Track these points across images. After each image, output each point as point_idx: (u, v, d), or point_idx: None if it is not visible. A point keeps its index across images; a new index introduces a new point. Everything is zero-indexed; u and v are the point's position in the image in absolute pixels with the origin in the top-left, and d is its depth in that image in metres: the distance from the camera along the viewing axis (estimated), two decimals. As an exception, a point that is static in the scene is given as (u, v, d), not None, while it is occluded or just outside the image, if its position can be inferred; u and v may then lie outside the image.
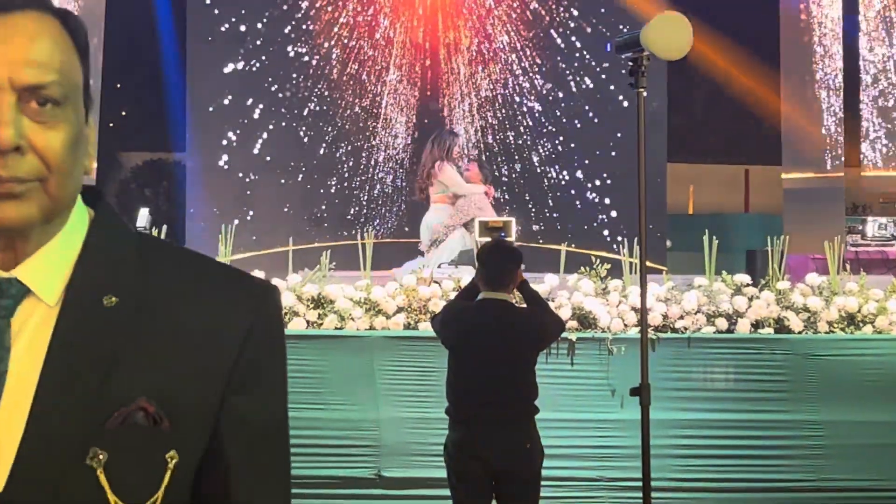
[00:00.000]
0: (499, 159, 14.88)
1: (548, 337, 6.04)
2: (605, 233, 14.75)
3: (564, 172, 14.95)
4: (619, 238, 9.58)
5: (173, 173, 18.68)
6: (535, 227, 14.77)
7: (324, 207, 15.00)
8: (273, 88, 15.01)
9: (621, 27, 12.76)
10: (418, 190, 11.46)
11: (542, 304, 6.20)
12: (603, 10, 15.05)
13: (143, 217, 8.55)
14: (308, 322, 8.40)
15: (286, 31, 15.02)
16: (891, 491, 8.14)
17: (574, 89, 15.16)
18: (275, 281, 8.59)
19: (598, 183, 15.09)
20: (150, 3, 15.82)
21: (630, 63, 5.33)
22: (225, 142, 14.92)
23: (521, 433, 5.66)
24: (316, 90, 15.04)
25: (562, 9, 15.24)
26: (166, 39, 15.65)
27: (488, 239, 6.41)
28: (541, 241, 13.92)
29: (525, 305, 6.21)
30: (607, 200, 15.05)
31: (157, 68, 16.30)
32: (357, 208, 14.66)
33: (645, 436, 5.40)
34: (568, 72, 15.19)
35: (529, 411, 5.72)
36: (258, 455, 1.81)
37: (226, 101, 14.96)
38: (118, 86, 16.06)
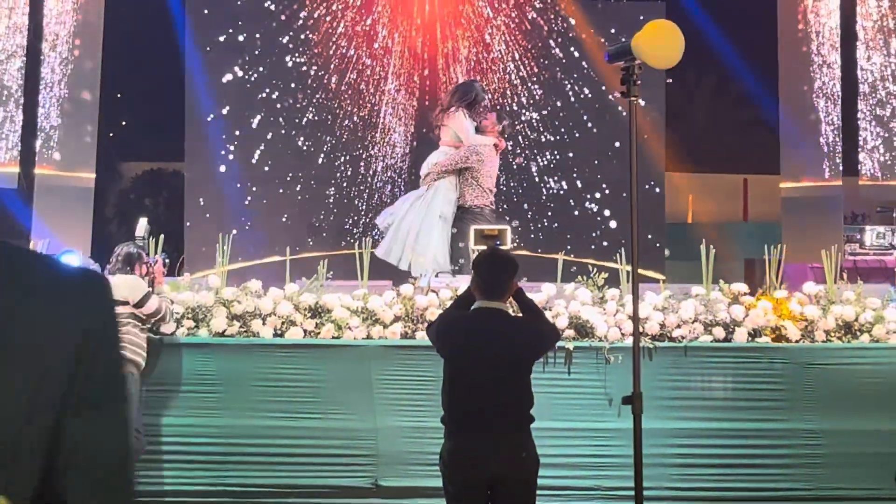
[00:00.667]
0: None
1: (543, 346, 6.04)
2: (604, 242, 14.74)
3: (563, 182, 14.95)
4: (618, 247, 9.55)
5: (172, 183, 18.69)
6: (533, 236, 14.77)
7: (322, 217, 15.00)
8: (272, 98, 15.02)
9: (621, 38, 12.77)
10: (433, 127, 11.03)
11: (538, 313, 6.19)
12: (601, 20, 15.07)
13: (141, 227, 8.53)
14: (305, 331, 8.41)
15: (284, 41, 15.03)
16: (888, 500, 8.13)
17: (572, 99, 15.17)
18: (272, 290, 8.60)
19: (596, 192, 15.09)
20: (148, 13, 15.83)
21: (623, 71, 5.33)
22: (223, 151, 14.93)
23: (517, 442, 5.65)
24: (314, 100, 15.05)
25: (560, 19, 15.26)
26: (165, 49, 15.66)
27: (484, 247, 6.38)
28: (539, 251, 13.92)
29: (521, 314, 6.21)
30: (606, 210, 15.05)
31: (156, 78, 16.33)
32: (355, 218, 14.65)
33: (637, 444, 5.40)
34: (566, 81, 15.20)
35: (525, 420, 5.71)
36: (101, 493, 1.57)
37: (224, 111, 14.98)
38: (118, 95, 16.07)
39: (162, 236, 8.82)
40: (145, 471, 8.10)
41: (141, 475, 8.11)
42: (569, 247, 14.07)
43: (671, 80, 14.18)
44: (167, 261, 8.65)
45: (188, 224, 14.81)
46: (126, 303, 7.78)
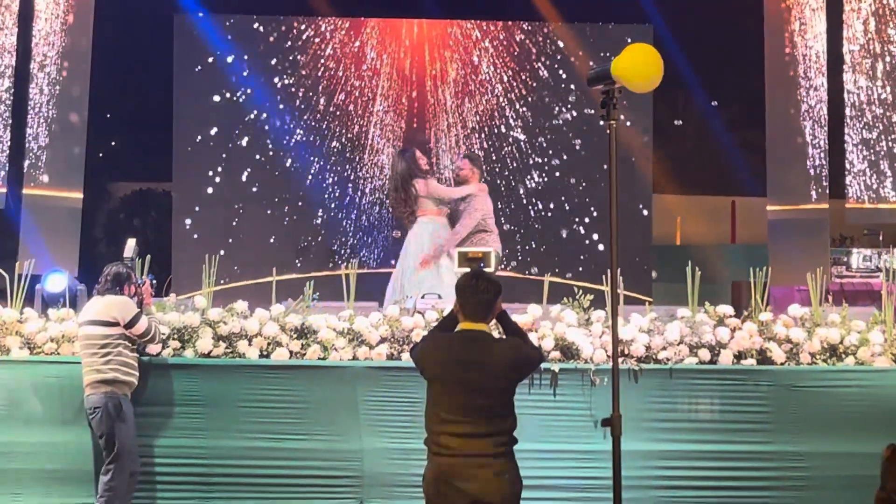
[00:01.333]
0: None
1: (526, 368, 6.03)
2: (592, 264, 14.76)
3: (550, 203, 14.97)
4: (606, 269, 9.55)
5: (161, 203, 18.67)
6: (521, 258, 14.78)
7: (309, 238, 15.01)
8: (260, 119, 15.05)
9: (609, 60, 12.81)
10: (406, 216, 11.09)
11: (522, 334, 6.19)
12: (589, 42, 15.12)
13: (130, 248, 8.51)
14: (291, 352, 8.39)
15: (273, 62, 15.06)
16: (873, 523, 8.13)
17: (560, 121, 15.20)
18: (258, 311, 8.60)
19: (584, 214, 15.12)
20: (137, 34, 15.85)
21: (602, 95, 5.35)
22: (211, 172, 14.95)
23: (499, 464, 5.64)
24: (302, 121, 15.08)
25: (548, 41, 15.31)
26: (154, 70, 15.68)
27: (467, 269, 6.38)
28: (527, 273, 13.93)
29: (504, 336, 6.21)
30: (593, 232, 15.07)
31: (144, 99, 16.33)
32: (343, 239, 14.66)
33: (616, 466, 5.40)
34: (554, 103, 15.23)
35: (508, 442, 5.71)
36: None
37: (212, 132, 14.99)
38: (107, 116, 16.07)
39: (149, 257, 8.81)
40: (133, 492, 8.10)
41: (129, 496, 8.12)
42: (556, 269, 14.11)
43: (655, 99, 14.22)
44: (154, 281, 8.64)
45: (176, 242, 14.80)
46: (117, 323, 7.78)
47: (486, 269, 6.62)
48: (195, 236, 14.55)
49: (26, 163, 14.28)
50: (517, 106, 15.20)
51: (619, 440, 5.40)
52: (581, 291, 8.91)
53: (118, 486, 7.75)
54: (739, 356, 8.41)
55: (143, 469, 8.07)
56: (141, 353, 8.14)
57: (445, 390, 5.72)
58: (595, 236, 15.05)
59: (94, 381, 7.78)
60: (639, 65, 5.16)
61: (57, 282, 9.93)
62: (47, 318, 8.76)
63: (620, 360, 7.70)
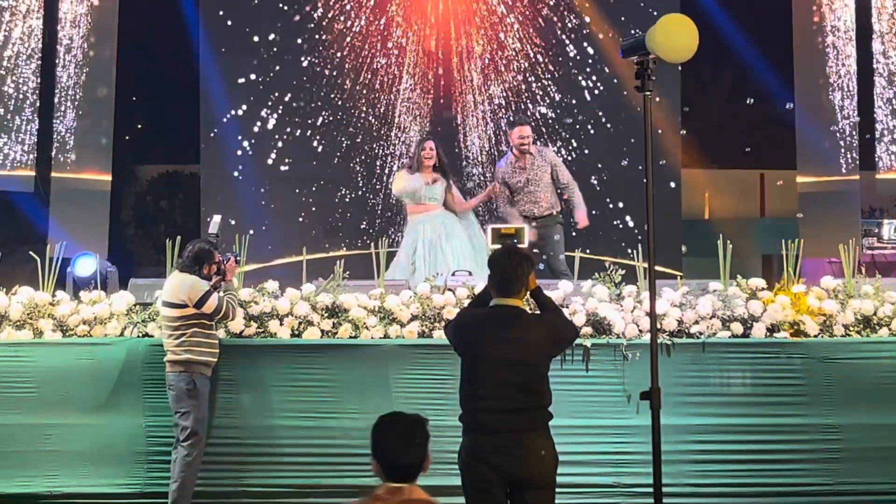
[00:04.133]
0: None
1: (561, 343, 6.01)
2: (620, 239, 14.70)
3: (579, 180, 14.91)
4: (635, 244, 9.52)
5: (189, 185, 18.68)
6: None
7: (338, 216, 15.00)
8: (286, 99, 15.03)
9: (634, 32, 12.74)
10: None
11: (556, 310, 6.17)
12: (615, 16, 15.03)
13: (214, 224, 8.55)
14: (323, 332, 8.40)
15: (299, 41, 15.04)
16: (909, 494, 8.11)
17: (587, 96, 15.13)
18: (289, 290, 8.61)
19: (612, 189, 15.05)
20: (163, 16, 15.85)
21: (637, 66, 5.31)
22: (239, 153, 14.95)
23: (536, 440, 5.63)
24: (329, 100, 15.06)
25: (573, 15, 15.23)
26: (180, 52, 15.67)
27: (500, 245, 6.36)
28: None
29: (538, 312, 6.19)
30: (622, 206, 15.00)
31: (172, 80, 16.33)
32: (371, 217, 14.65)
33: (656, 438, 5.37)
34: (581, 78, 15.16)
35: (543, 418, 5.69)
36: None
37: (240, 112, 14.99)
38: (133, 99, 16.06)
39: (178, 238, 8.82)
40: (164, 471, 8.14)
41: (162, 476, 8.15)
42: (585, 245, 14.06)
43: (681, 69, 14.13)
44: (239, 259, 8.61)
45: (206, 223, 14.81)
46: (186, 305, 7.77)
47: (520, 245, 6.61)
48: (224, 217, 14.53)
49: (54, 146, 14.31)
50: (543, 81, 15.13)
51: (658, 413, 5.37)
52: (612, 266, 8.88)
53: (192, 462, 7.78)
54: (772, 329, 8.38)
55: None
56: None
57: (480, 367, 5.70)
58: (623, 209, 14.98)
59: (169, 361, 7.83)
60: (674, 34, 5.12)
61: (87, 265, 9.96)
62: (79, 301, 8.80)
63: (653, 334, 7.69)
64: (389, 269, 10.18)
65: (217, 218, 8.51)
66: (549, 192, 11.10)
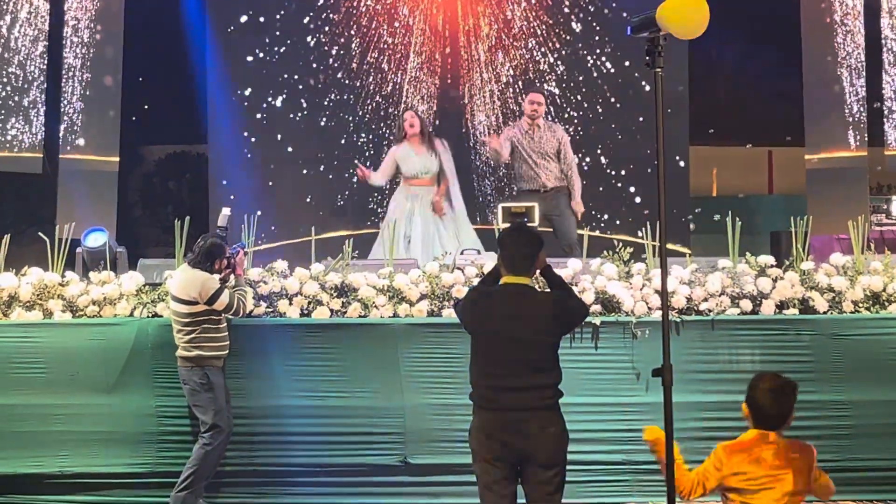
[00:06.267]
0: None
1: (571, 321, 6.00)
2: (629, 216, 14.70)
3: (587, 157, 14.89)
4: (643, 222, 9.51)
5: (196, 165, 18.69)
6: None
7: (346, 196, 15.01)
8: (293, 79, 15.03)
9: (642, 11, 12.69)
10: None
11: (566, 288, 6.17)
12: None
13: (223, 217, 8.48)
14: (332, 311, 8.41)
15: (305, 21, 15.02)
16: (918, 470, 8.11)
17: (595, 74, 15.10)
18: (298, 270, 8.61)
19: (620, 167, 15.03)
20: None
21: (647, 43, 5.28)
22: (246, 133, 14.95)
23: (546, 417, 5.64)
24: (337, 80, 15.05)
25: (581, -8, 15.19)
26: (188, 32, 15.65)
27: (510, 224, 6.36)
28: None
29: (548, 290, 6.19)
30: (630, 184, 14.99)
31: (178, 61, 16.31)
32: (379, 197, 14.64)
33: (668, 416, 5.37)
34: (588, 56, 15.13)
35: (553, 395, 5.69)
36: None
37: (247, 92, 14.99)
38: (140, 79, 16.05)
39: (187, 218, 8.81)
40: (174, 451, 8.16)
41: (171, 455, 8.18)
42: (593, 223, 14.05)
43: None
44: (247, 250, 8.61)
45: (213, 203, 14.82)
46: (197, 302, 7.75)
47: (530, 224, 6.61)
48: (231, 197, 14.53)
49: (62, 127, 14.33)
50: (550, 59, 15.10)
51: (670, 390, 5.37)
52: (621, 244, 8.88)
53: (211, 452, 7.78)
54: (781, 306, 8.37)
55: (184, 429, 8.13)
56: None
57: (490, 345, 5.71)
58: (632, 189, 14.97)
59: (181, 357, 7.81)
60: (685, 10, 5.09)
61: (97, 238, 9.92)
62: (89, 282, 8.81)
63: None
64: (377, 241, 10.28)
65: (227, 210, 8.49)
66: (553, 166, 11.11)
